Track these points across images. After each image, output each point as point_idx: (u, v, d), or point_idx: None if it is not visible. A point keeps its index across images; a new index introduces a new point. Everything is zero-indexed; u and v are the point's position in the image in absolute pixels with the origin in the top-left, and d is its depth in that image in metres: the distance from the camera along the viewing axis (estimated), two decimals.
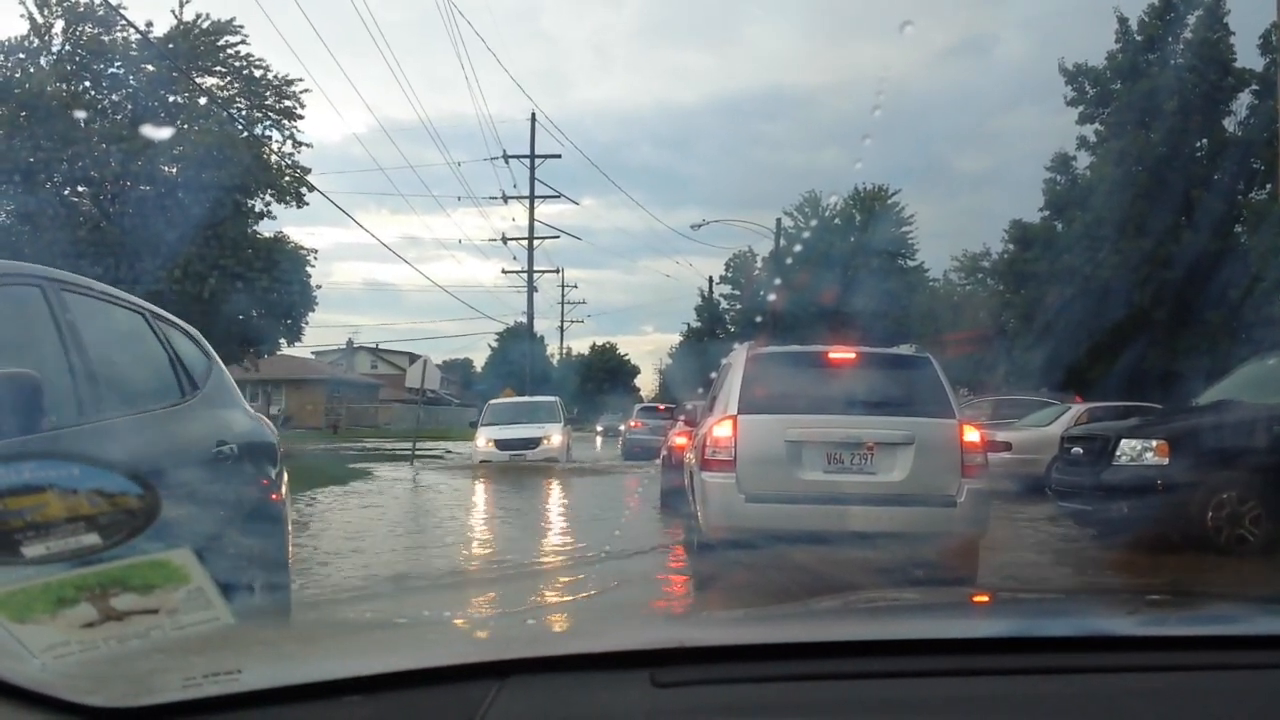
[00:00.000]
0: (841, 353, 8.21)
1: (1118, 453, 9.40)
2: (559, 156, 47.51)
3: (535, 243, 37.24)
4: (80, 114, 24.42)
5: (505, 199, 36.52)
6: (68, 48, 25.47)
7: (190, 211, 23.43)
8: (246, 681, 1.26)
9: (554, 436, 23.02)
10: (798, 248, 42.10)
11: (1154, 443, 9.29)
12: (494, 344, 66.37)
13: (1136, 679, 1.31)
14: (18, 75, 24.91)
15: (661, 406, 31.43)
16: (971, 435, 7.51)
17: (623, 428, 34.88)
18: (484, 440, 23.07)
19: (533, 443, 22.58)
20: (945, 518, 7.24)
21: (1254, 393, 9.86)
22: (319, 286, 29.10)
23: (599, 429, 49.94)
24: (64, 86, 25.00)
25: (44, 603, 1.30)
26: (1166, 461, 9.09)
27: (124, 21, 24.36)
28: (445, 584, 8.11)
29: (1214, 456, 8.99)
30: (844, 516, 7.10)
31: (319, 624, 3.19)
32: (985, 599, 2.67)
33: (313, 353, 61.41)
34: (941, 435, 7.44)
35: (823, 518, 7.11)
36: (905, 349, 8.67)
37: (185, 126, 25.25)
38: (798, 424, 7.42)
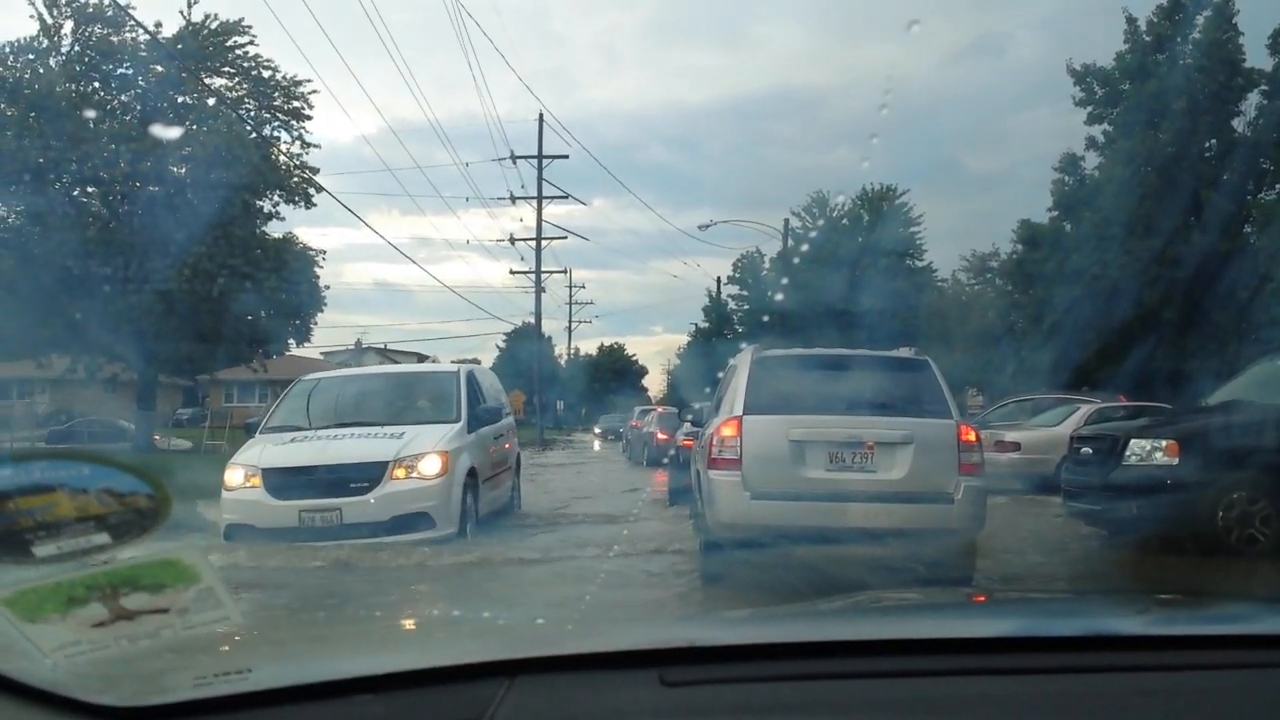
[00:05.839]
0: (843, 355, 8.36)
1: (1127, 453, 9.36)
2: (566, 157, 47.56)
3: (544, 243, 37.27)
4: (90, 114, 24.52)
5: (513, 200, 36.59)
6: (77, 48, 25.57)
7: (199, 211, 23.50)
8: (256, 680, 1.27)
9: (426, 460, 9.38)
10: (805, 247, 42.10)
11: (1164, 443, 9.24)
12: (502, 344, 66.46)
13: (1145, 678, 1.30)
14: (27, 76, 24.98)
15: (660, 409, 31.58)
16: (968, 435, 7.71)
17: (622, 429, 35.63)
18: (242, 474, 9.49)
19: (362, 478, 9.25)
20: (943, 514, 7.40)
21: (1264, 393, 9.81)
22: (328, 287, 29.24)
23: (596, 431, 48.96)
24: (73, 87, 25.10)
25: (55, 602, 1.30)
26: (1176, 461, 9.05)
27: (133, 22, 24.41)
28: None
29: (1224, 456, 8.94)
30: (845, 513, 7.28)
31: (328, 623, 3.20)
32: (992, 599, 2.66)
33: (321, 353, 61.36)
34: (939, 435, 7.62)
35: (825, 514, 7.28)
36: (905, 351, 8.80)
37: (194, 127, 25.34)
38: (801, 424, 7.59)
